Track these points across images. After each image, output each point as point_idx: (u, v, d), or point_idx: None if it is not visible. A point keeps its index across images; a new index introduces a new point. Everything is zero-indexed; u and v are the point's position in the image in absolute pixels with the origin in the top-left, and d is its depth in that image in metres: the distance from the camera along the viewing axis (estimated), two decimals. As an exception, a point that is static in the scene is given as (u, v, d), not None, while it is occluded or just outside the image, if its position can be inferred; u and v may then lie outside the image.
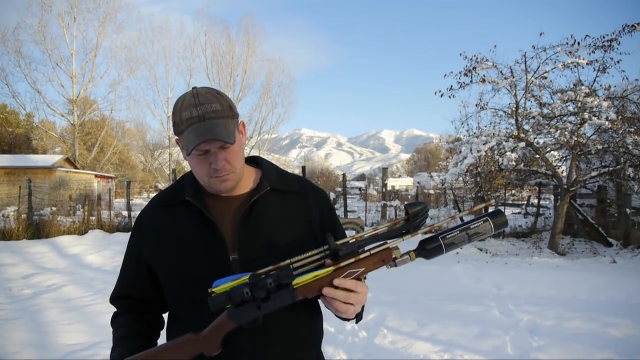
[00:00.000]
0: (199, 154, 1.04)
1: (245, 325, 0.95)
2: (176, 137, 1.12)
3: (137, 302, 1.19)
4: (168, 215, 1.14)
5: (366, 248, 1.00)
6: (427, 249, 0.98)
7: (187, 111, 1.02)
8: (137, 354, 0.95)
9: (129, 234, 1.23)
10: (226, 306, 0.93)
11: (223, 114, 1.03)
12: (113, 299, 1.22)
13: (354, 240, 0.98)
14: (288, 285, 0.93)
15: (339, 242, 0.96)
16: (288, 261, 0.96)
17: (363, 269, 0.96)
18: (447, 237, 0.98)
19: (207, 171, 1.06)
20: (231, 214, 1.11)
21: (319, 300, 1.18)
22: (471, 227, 0.99)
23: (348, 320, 1.08)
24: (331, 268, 0.95)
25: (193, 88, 1.06)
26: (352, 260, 0.95)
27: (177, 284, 1.10)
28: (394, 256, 0.97)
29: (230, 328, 0.95)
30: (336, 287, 0.95)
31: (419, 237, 1.01)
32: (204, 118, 1.01)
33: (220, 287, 0.91)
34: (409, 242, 1.01)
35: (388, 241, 0.99)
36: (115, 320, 1.19)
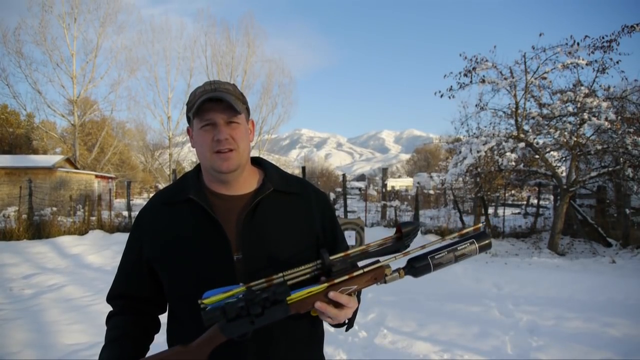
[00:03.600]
0: (205, 125, 1.09)
1: (235, 339, 0.95)
2: (187, 127, 1.17)
3: (135, 301, 1.18)
4: (170, 213, 1.14)
5: (358, 264, 1.02)
6: (416, 267, 1.01)
7: (202, 88, 1.11)
8: None
9: (128, 238, 1.22)
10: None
11: (233, 93, 1.11)
12: (110, 298, 1.20)
13: (345, 255, 1.00)
14: (283, 301, 0.93)
15: (332, 258, 0.98)
16: (281, 274, 0.96)
17: (356, 286, 0.98)
18: (436, 257, 1.01)
19: (210, 144, 1.08)
20: (235, 214, 1.12)
21: None
22: (458, 248, 1.02)
23: (339, 327, 1.10)
24: (325, 285, 0.96)
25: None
26: (346, 277, 0.97)
27: (180, 283, 1.10)
28: (385, 274, 0.99)
29: (220, 341, 0.94)
30: (329, 302, 0.96)
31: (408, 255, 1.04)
32: (216, 90, 1.09)
33: (211, 298, 0.90)
34: (398, 259, 1.04)
35: (380, 259, 1.01)
36: (110, 320, 1.17)
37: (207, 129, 1.08)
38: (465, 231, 1.12)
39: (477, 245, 1.03)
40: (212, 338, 0.94)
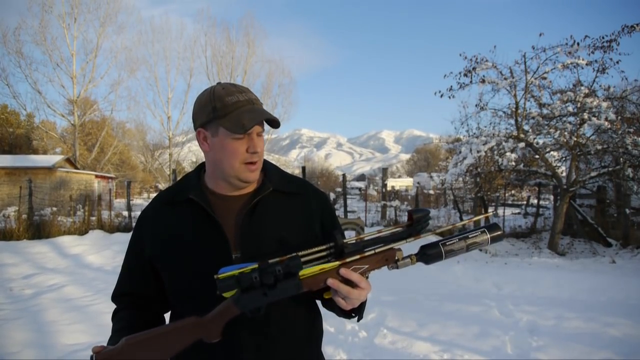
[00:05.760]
0: (239, 138, 1.08)
1: (248, 314, 0.96)
2: (200, 128, 1.12)
3: (139, 299, 1.20)
4: (171, 213, 1.15)
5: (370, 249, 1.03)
6: (428, 254, 1.02)
7: (232, 96, 1.08)
8: (139, 333, 0.95)
9: (130, 234, 1.24)
10: (232, 294, 0.95)
11: (261, 104, 1.13)
12: (114, 297, 1.23)
13: (358, 240, 1.02)
14: (295, 274, 0.95)
15: (345, 241, 1.00)
16: (294, 254, 0.98)
17: (367, 266, 1.00)
18: (447, 244, 1.02)
19: (242, 156, 1.09)
20: (234, 213, 1.13)
21: (318, 302, 1.21)
22: (469, 236, 1.03)
23: (349, 318, 1.11)
24: (337, 262, 0.98)
25: (219, 83, 1.13)
26: (358, 257, 0.99)
27: (180, 282, 1.11)
28: (396, 257, 1.01)
29: (234, 314, 0.96)
30: (341, 279, 0.98)
31: (419, 242, 1.05)
32: (253, 102, 1.09)
33: (226, 274, 0.93)
34: (410, 246, 1.04)
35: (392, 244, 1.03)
36: (115, 315, 1.19)
37: (241, 140, 1.08)
38: (476, 218, 1.14)
39: (488, 236, 1.04)
40: (225, 311, 0.95)
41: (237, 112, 1.06)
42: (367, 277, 1.02)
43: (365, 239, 1.03)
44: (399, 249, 1.02)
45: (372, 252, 1.01)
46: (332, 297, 1.01)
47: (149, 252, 1.15)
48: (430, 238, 1.05)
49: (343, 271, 0.98)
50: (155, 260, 1.14)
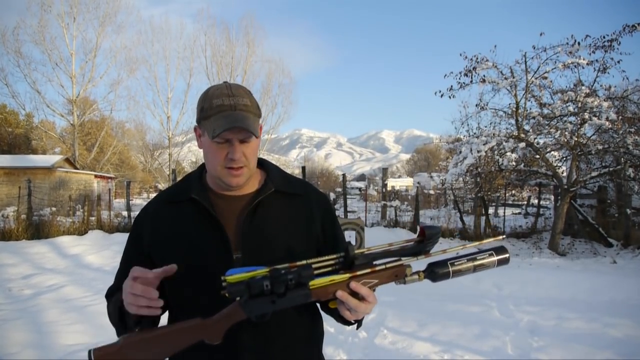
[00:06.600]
0: (220, 142, 1.06)
1: (253, 318, 0.95)
2: (195, 125, 1.14)
3: None
4: (172, 212, 1.15)
5: (379, 262, 1.03)
6: (435, 272, 1.03)
7: (219, 99, 1.06)
8: (138, 332, 0.94)
9: (129, 234, 1.22)
10: (239, 298, 0.93)
11: (251, 110, 1.08)
12: (110, 293, 1.16)
13: (367, 252, 1.02)
14: (306, 284, 0.94)
15: (355, 252, 1.00)
16: (305, 261, 0.97)
17: (377, 281, 1.00)
18: (456, 264, 1.03)
19: (222, 160, 1.07)
20: (236, 214, 1.12)
21: (318, 304, 1.20)
22: (477, 258, 1.04)
23: (348, 325, 1.11)
24: (348, 275, 0.98)
25: (225, 82, 1.11)
26: (368, 270, 0.99)
27: (180, 281, 1.09)
28: (405, 273, 1.02)
29: (240, 319, 0.94)
30: (350, 292, 0.97)
31: (427, 258, 1.06)
32: (235, 108, 1.05)
33: (235, 276, 0.91)
34: (415, 262, 1.05)
35: (402, 258, 1.03)
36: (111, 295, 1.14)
37: (222, 145, 1.07)
38: (487, 240, 1.14)
39: (496, 258, 1.05)
40: (231, 314, 0.93)
41: (216, 116, 1.05)
42: (374, 291, 1.02)
43: (375, 251, 1.02)
44: (409, 266, 1.02)
45: (383, 267, 1.00)
46: (338, 307, 1.00)
47: (149, 249, 1.14)
48: (440, 257, 1.05)
49: (353, 285, 0.97)
50: (155, 258, 1.13)
